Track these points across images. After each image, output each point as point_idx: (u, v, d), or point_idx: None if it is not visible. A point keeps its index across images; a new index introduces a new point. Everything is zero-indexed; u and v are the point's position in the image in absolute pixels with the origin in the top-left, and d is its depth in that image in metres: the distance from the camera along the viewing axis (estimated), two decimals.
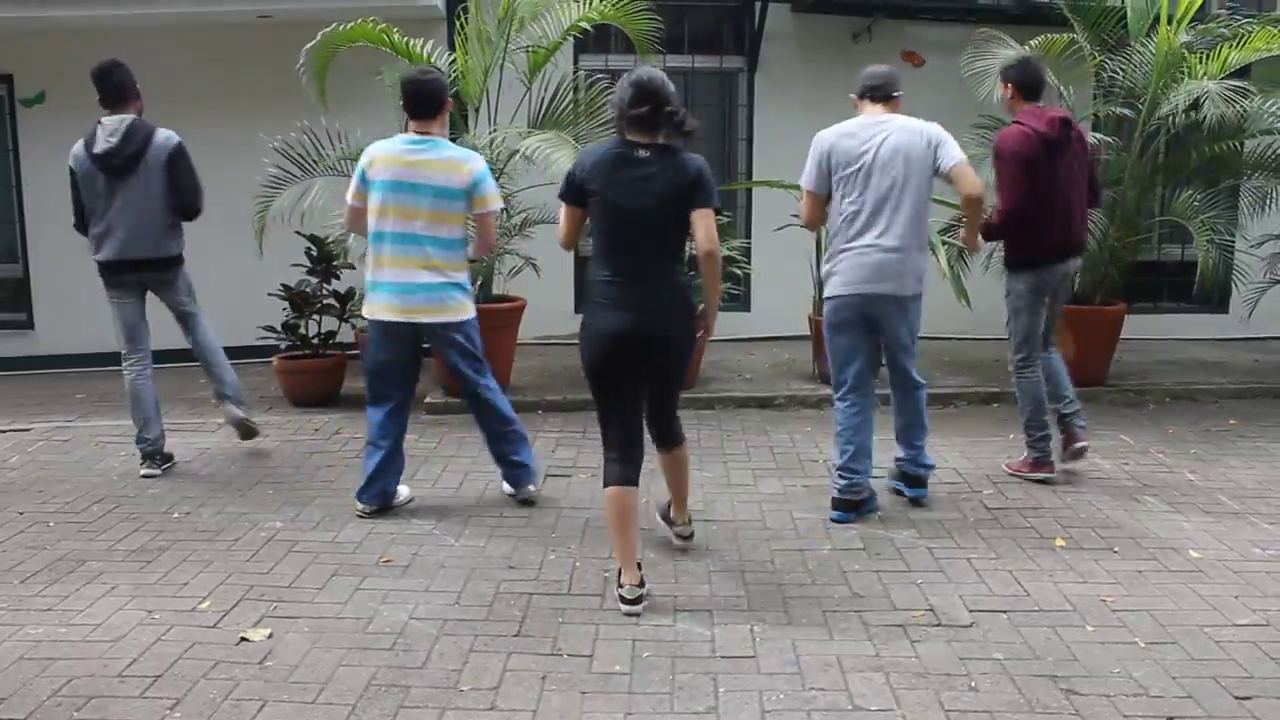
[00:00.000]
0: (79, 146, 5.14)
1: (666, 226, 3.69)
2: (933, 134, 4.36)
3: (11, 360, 8.24)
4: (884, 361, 4.68)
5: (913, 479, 4.75)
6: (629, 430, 3.80)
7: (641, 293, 3.69)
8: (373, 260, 4.51)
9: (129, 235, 5.15)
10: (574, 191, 3.73)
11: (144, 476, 5.27)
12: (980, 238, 4.85)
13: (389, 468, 4.64)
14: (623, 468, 3.75)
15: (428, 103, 4.46)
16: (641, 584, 3.67)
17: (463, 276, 4.58)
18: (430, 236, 4.44)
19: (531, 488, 4.80)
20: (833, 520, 4.52)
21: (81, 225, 5.28)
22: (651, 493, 4.62)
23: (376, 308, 4.51)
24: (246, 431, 5.61)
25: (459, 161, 4.47)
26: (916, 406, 4.66)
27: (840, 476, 4.53)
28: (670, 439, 4.02)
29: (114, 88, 5.15)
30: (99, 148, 5.07)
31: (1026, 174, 4.80)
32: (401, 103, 4.51)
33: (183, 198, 5.20)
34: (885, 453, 4.82)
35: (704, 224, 3.67)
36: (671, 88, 3.67)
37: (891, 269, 4.36)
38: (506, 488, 4.87)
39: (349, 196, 4.56)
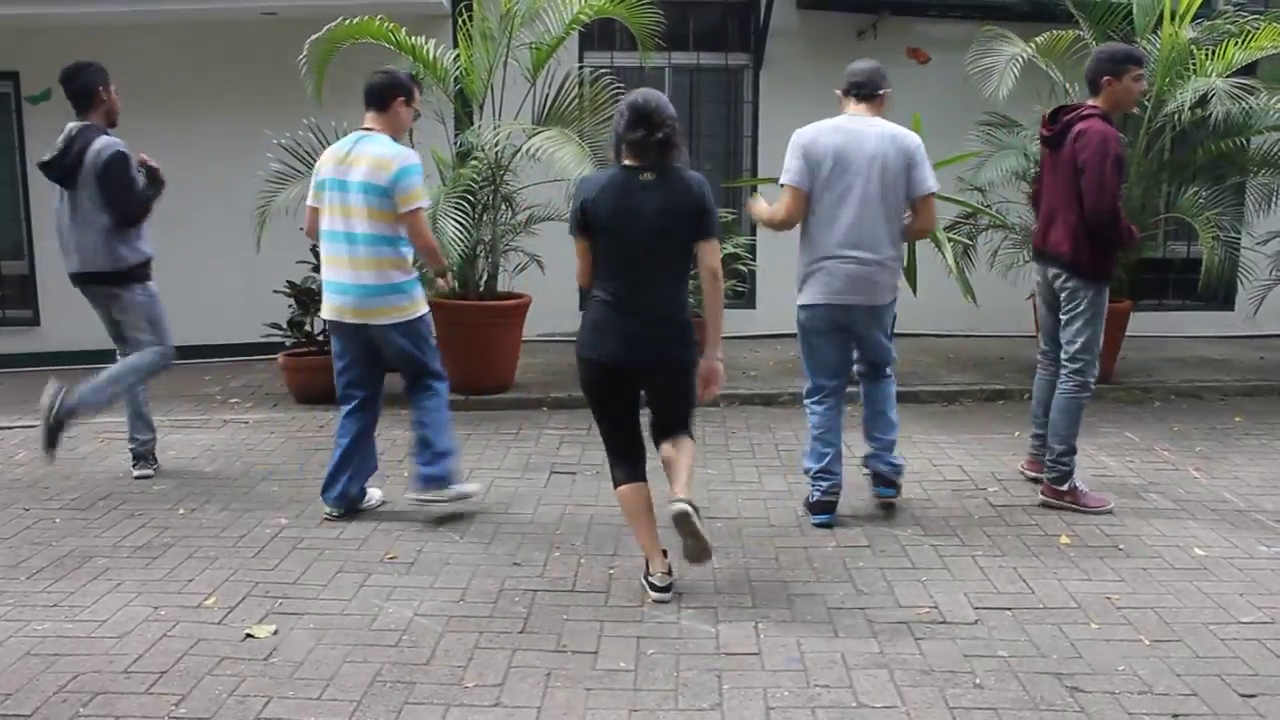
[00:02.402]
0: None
1: (669, 253, 3.64)
2: (911, 151, 4.26)
3: (18, 357, 8.25)
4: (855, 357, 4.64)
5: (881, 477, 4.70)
6: (626, 435, 3.81)
7: (636, 322, 3.64)
8: (322, 259, 4.53)
9: (76, 247, 5.02)
10: (582, 223, 3.63)
11: (138, 478, 5.25)
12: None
13: (347, 466, 4.55)
14: (626, 468, 3.77)
15: (369, 99, 4.50)
16: (669, 571, 3.73)
17: (400, 275, 4.44)
18: (361, 234, 4.38)
19: (430, 496, 4.57)
20: (816, 525, 4.48)
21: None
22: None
23: (325, 307, 4.52)
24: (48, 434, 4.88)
25: (384, 157, 4.37)
26: (885, 395, 4.61)
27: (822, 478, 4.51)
28: (672, 436, 3.81)
29: (77, 92, 4.99)
30: (43, 156, 4.99)
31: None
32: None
33: (112, 210, 4.94)
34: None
35: (708, 256, 3.65)
36: (670, 110, 3.61)
37: (866, 282, 4.30)
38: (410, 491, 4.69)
39: (308, 199, 4.55)
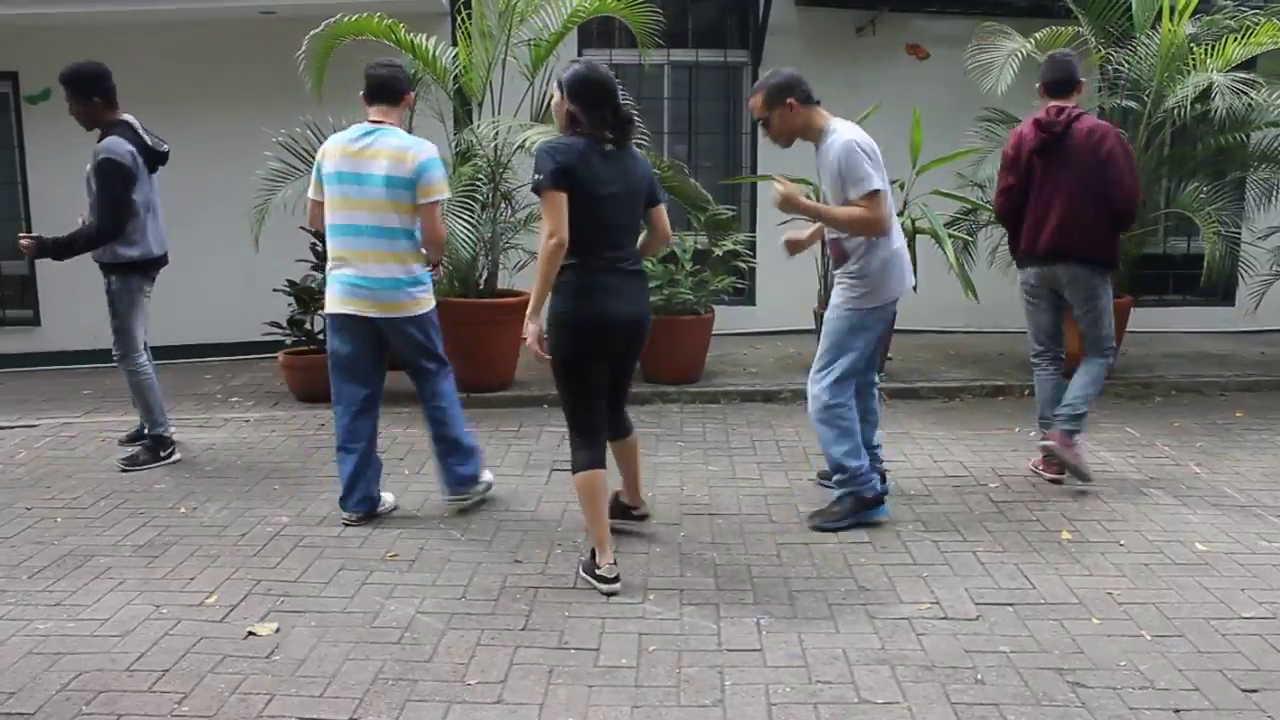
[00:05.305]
0: (128, 145, 5.11)
1: (637, 217, 3.96)
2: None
3: (18, 357, 8.26)
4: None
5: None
6: (602, 415, 3.98)
7: (624, 280, 3.89)
8: (330, 253, 4.40)
9: (164, 228, 5.44)
10: (566, 178, 3.70)
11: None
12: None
13: (365, 470, 4.47)
14: (600, 449, 3.92)
15: (379, 92, 4.41)
16: (615, 563, 3.84)
17: (417, 269, 4.41)
18: (376, 227, 4.31)
19: (463, 499, 4.64)
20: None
21: (120, 225, 5.15)
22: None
23: (333, 301, 4.39)
24: None
25: (405, 149, 4.34)
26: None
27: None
28: (626, 428, 4.20)
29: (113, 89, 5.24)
30: (156, 145, 5.32)
31: (1007, 170, 4.88)
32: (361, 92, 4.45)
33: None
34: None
35: (665, 220, 4.06)
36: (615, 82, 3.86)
37: None
38: (445, 492, 4.69)
39: (309, 193, 4.45)
